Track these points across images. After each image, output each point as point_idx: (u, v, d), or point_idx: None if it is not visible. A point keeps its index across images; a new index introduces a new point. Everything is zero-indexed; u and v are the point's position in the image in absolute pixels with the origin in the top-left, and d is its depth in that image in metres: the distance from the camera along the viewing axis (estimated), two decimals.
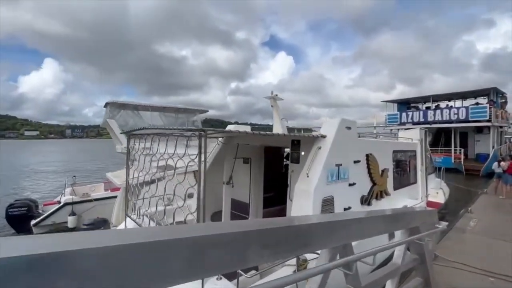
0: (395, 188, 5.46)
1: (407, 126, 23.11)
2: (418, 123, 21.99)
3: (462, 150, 20.29)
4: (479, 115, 18.82)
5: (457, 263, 4.79)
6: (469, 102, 22.08)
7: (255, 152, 5.21)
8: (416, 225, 2.67)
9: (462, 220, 7.32)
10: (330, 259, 1.66)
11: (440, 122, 20.75)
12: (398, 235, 2.71)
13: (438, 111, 20.90)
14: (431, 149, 23.01)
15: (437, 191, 7.27)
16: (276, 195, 5.24)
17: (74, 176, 9.97)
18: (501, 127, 22.31)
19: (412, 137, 6.72)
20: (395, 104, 25.72)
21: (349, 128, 4.08)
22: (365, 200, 4.36)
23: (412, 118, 22.31)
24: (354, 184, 4.12)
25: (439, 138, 23.38)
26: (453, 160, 20.20)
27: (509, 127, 26.10)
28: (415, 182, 6.58)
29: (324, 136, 3.89)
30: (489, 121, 18.59)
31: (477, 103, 20.58)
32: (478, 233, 6.32)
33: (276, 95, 6.15)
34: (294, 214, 3.53)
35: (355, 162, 4.18)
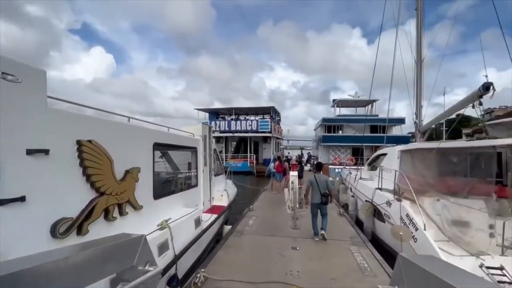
0: (158, 196, 3.87)
1: (216, 134, 24.99)
2: (225, 131, 24.34)
3: (254, 155, 24.53)
4: (265, 127, 23.52)
5: (226, 281, 3.87)
6: (260, 117, 27.48)
7: None
8: None
9: (244, 219, 7.25)
10: None
11: (240, 132, 23.94)
12: None
13: (239, 122, 24.05)
14: (234, 155, 26.41)
15: (222, 193, 6.75)
16: None
17: None
18: (278, 138, 29.56)
19: (193, 132, 5.67)
20: (207, 114, 27.29)
21: (9, 76, 1.85)
22: (68, 229, 2.28)
23: (219, 127, 24.24)
24: (22, 198, 1.91)
25: (240, 146, 27.25)
26: (249, 164, 23.85)
27: (283, 140, 35.48)
28: (195, 185, 5.51)
29: None
30: (270, 132, 23.64)
31: (263, 117, 25.82)
32: (254, 232, 6.19)
33: None
34: None
35: (31, 152, 2.00)
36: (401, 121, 23.84)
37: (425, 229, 4.70)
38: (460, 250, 4.40)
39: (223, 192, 6.77)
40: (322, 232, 5.71)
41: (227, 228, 6.60)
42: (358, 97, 26.94)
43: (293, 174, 9.00)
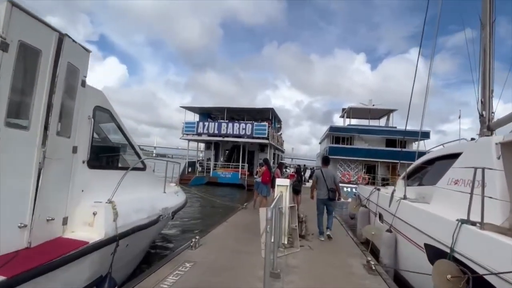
0: None
1: (203, 137, 21.25)
2: (214, 135, 20.59)
3: (247, 166, 20.58)
4: (261, 132, 19.72)
5: None
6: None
7: None
8: None
9: (162, 270, 3.32)
10: None
11: (231, 136, 20.19)
12: None
13: (230, 125, 20.33)
14: (225, 165, 22.39)
15: (97, 209, 2.84)
16: None
17: None
18: (277, 148, 25.62)
19: None
20: (198, 116, 23.72)
21: None
22: None
23: (208, 129, 20.55)
24: None
25: (232, 154, 23.38)
26: (240, 176, 19.92)
27: (283, 152, 31.49)
28: None
29: None
30: (267, 139, 19.80)
31: (261, 121, 22.06)
32: None
33: None
34: None
35: None
36: (425, 135, 19.80)
37: None
38: None
39: (101, 207, 2.84)
40: (328, 232, 5.33)
41: None
42: (373, 105, 23.00)
43: (283, 183, 5.14)
